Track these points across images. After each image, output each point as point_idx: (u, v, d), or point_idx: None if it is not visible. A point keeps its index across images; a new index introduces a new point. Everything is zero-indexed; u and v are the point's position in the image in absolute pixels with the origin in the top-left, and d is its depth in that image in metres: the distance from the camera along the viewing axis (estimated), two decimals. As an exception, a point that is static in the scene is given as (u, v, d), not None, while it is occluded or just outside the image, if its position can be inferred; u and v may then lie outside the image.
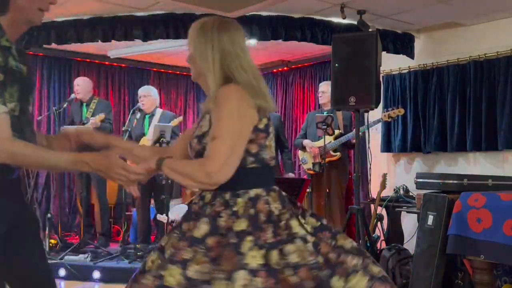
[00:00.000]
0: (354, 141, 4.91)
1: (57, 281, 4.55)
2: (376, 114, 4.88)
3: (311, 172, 5.22)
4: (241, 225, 1.60)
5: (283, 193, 1.74)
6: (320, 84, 5.57)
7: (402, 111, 4.96)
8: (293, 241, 1.60)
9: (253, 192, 1.66)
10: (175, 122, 5.45)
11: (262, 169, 1.71)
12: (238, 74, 1.71)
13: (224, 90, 1.67)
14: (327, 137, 4.79)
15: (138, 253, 5.11)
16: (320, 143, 4.92)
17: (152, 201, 5.72)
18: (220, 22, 1.78)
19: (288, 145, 5.64)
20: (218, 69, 1.72)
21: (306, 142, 5.28)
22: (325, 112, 5.19)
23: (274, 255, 1.56)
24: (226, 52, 1.72)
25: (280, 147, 5.39)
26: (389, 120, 5.00)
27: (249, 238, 1.58)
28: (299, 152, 5.45)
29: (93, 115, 5.51)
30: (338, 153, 5.10)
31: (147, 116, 5.55)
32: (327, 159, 4.97)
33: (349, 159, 5.62)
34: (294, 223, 1.65)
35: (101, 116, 5.40)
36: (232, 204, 1.63)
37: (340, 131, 5.12)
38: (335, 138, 5.05)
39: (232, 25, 1.80)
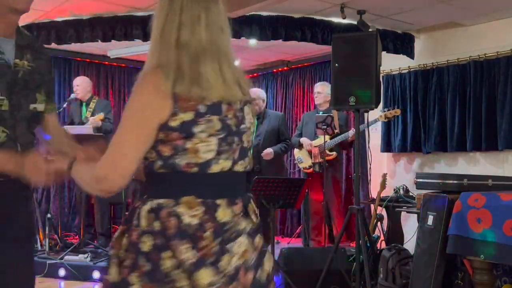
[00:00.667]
0: (349, 140, 4.97)
1: (57, 281, 4.58)
2: (376, 114, 4.88)
3: (308, 171, 5.24)
4: (147, 243, 1.34)
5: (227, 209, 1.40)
6: (316, 84, 5.61)
7: (398, 111, 5.00)
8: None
9: (155, 202, 1.36)
10: None
11: (172, 176, 1.37)
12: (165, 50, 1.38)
13: (141, 74, 1.39)
14: (322, 137, 4.83)
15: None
16: (316, 142, 4.95)
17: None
18: None
19: (288, 140, 5.54)
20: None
21: (303, 139, 5.29)
22: (321, 112, 5.22)
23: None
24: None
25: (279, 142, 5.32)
26: (386, 120, 5.03)
27: (167, 254, 1.33)
28: (295, 151, 5.46)
29: (92, 114, 5.51)
30: (334, 153, 5.14)
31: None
32: (321, 159, 5.01)
33: (350, 159, 5.64)
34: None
35: (101, 115, 5.39)
36: (137, 215, 1.38)
37: (336, 131, 5.14)
38: (331, 138, 5.07)
39: None
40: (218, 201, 1.38)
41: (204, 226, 1.35)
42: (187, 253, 1.32)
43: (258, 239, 1.47)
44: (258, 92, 5.26)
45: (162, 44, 1.38)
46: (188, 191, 1.36)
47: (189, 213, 1.35)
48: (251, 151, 1.53)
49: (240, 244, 1.40)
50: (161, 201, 1.36)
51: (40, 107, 1.86)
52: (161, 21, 1.40)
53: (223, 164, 1.40)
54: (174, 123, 1.34)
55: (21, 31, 1.88)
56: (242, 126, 1.46)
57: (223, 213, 1.38)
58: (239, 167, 1.45)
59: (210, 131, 1.36)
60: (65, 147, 1.84)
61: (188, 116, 1.34)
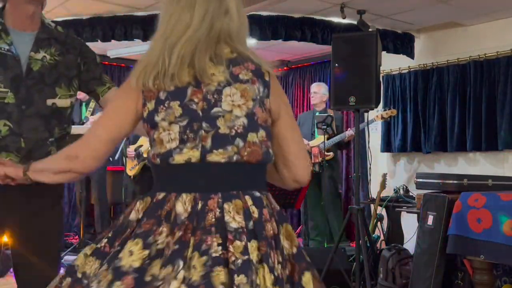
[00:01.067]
0: (346, 140, 5.02)
1: (57, 281, 4.57)
2: (376, 114, 4.89)
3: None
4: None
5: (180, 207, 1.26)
6: (312, 85, 5.64)
7: (394, 111, 5.06)
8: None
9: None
10: None
11: (151, 168, 1.35)
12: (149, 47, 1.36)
13: None
14: (320, 137, 4.84)
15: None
16: (313, 142, 4.97)
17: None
18: None
19: None
20: None
21: None
22: (317, 113, 5.24)
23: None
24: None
25: None
26: (382, 120, 5.07)
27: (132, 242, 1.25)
28: None
29: (92, 114, 5.51)
30: (331, 153, 5.17)
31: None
32: (320, 159, 5.02)
33: (342, 159, 5.68)
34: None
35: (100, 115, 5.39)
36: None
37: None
38: (328, 138, 5.08)
39: None
40: (181, 196, 1.26)
41: (140, 222, 1.27)
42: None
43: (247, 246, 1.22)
44: None
45: (155, 37, 1.36)
46: (156, 185, 1.32)
47: (136, 208, 1.31)
48: (245, 138, 1.30)
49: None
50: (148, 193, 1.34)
51: (61, 102, 1.79)
52: (161, 14, 1.38)
53: (188, 154, 1.27)
54: (145, 114, 1.32)
55: (46, 24, 1.83)
56: (215, 109, 1.29)
57: (182, 208, 1.25)
58: (217, 157, 1.27)
59: (170, 118, 1.28)
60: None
61: (151, 105, 1.30)
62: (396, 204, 4.31)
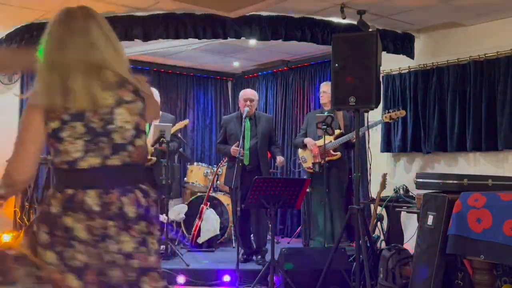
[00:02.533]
0: (353, 140, 4.92)
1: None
2: (376, 114, 4.88)
3: (311, 171, 5.22)
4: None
5: (90, 201, 1.67)
6: (321, 84, 5.57)
7: (403, 112, 4.96)
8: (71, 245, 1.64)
9: (50, 191, 1.72)
10: (180, 124, 5.45)
11: (54, 171, 1.74)
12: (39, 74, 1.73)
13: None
14: (327, 136, 4.79)
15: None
16: (320, 142, 4.92)
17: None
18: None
19: (278, 143, 5.57)
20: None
21: (307, 139, 5.27)
22: (325, 112, 5.18)
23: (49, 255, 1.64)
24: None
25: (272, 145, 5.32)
26: (390, 121, 5.00)
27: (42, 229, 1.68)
28: (299, 151, 5.45)
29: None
30: (338, 153, 5.09)
31: (148, 118, 5.54)
32: (327, 159, 4.97)
33: (350, 159, 5.61)
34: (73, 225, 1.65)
35: None
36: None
37: (341, 131, 5.12)
38: (336, 138, 5.05)
39: (60, 13, 1.77)
40: (87, 192, 1.65)
41: (61, 215, 1.64)
42: (42, 236, 1.65)
43: (141, 227, 1.71)
44: (257, 94, 5.26)
45: (41, 67, 1.71)
46: (60, 184, 1.69)
47: (52, 202, 1.67)
48: (134, 144, 1.74)
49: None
50: (50, 190, 1.71)
51: None
52: (43, 48, 1.73)
53: (90, 161, 1.68)
54: (49, 131, 1.68)
55: None
56: (110, 126, 1.70)
57: (92, 201, 1.65)
58: (114, 161, 1.70)
59: (75, 135, 1.67)
60: None
61: (55, 124, 1.67)
62: (396, 204, 4.31)
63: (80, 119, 1.67)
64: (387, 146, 5.70)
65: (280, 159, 5.08)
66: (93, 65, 1.70)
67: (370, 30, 4.57)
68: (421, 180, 3.39)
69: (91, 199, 1.65)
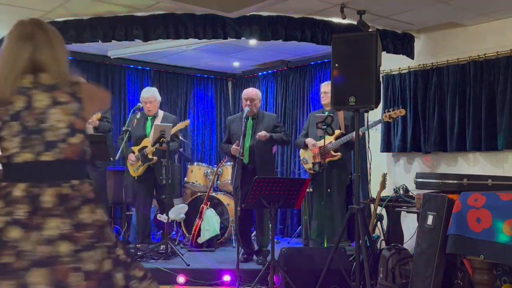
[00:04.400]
0: (354, 140, 4.89)
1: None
2: (376, 114, 4.87)
3: (312, 171, 5.22)
4: None
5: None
6: (322, 84, 5.54)
7: (403, 111, 4.93)
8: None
9: None
10: (181, 125, 5.45)
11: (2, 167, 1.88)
12: None
13: None
14: (328, 137, 4.78)
15: (138, 253, 5.11)
16: (321, 143, 4.91)
17: (154, 201, 5.73)
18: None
19: (286, 133, 5.42)
20: None
21: (308, 140, 5.26)
22: (326, 112, 5.17)
23: None
24: None
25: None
26: (390, 120, 4.98)
27: None
28: (301, 152, 5.44)
29: (91, 114, 5.51)
30: (339, 153, 5.08)
31: (149, 118, 5.55)
32: (327, 159, 4.97)
33: (351, 159, 5.59)
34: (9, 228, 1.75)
35: (98, 115, 5.37)
36: None
37: (341, 131, 5.11)
38: (336, 138, 5.04)
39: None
40: (18, 185, 1.78)
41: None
42: None
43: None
44: (258, 94, 5.25)
45: None
46: (3, 177, 1.83)
47: None
48: (67, 142, 1.87)
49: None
50: None
51: None
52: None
53: (25, 156, 1.82)
54: None
55: None
56: (43, 125, 1.84)
57: (19, 193, 1.77)
58: (47, 157, 1.83)
59: (12, 133, 1.83)
60: None
61: None
62: (396, 204, 4.31)
63: (16, 118, 1.84)
64: (387, 146, 5.70)
65: (263, 133, 4.95)
66: (34, 68, 1.89)
67: (370, 30, 4.57)
68: (421, 180, 3.39)
69: (19, 191, 1.78)
